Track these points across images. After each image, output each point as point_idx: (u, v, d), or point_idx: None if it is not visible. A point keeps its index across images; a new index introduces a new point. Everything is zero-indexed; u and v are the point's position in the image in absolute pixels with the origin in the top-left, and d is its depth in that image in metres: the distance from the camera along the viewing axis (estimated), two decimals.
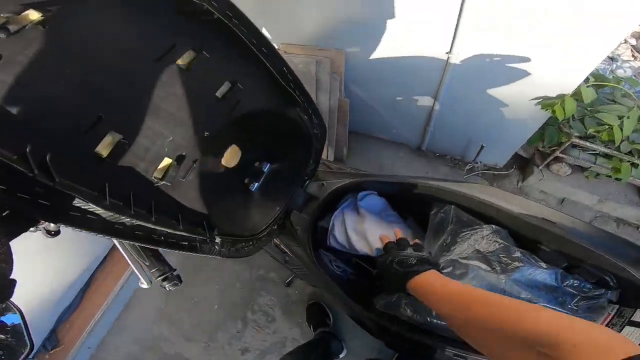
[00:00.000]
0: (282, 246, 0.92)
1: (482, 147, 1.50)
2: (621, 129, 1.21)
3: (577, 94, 1.16)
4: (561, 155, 1.42)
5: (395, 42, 1.19)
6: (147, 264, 0.56)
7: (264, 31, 1.39)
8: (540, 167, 1.54)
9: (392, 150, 1.80)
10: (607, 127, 1.25)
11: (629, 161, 1.32)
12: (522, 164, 1.69)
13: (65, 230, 0.42)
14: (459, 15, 0.98)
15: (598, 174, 1.49)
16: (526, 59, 1.06)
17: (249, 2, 1.21)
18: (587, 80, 1.21)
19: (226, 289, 1.58)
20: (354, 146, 1.79)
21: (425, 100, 1.40)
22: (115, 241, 0.56)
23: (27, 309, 1.26)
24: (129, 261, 0.58)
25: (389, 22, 1.12)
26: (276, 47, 1.36)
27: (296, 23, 1.29)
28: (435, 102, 1.36)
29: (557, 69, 1.06)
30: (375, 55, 1.29)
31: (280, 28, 1.37)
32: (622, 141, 1.25)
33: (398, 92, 1.44)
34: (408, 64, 1.25)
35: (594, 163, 1.41)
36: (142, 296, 1.61)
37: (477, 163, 1.67)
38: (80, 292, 1.51)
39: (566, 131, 1.34)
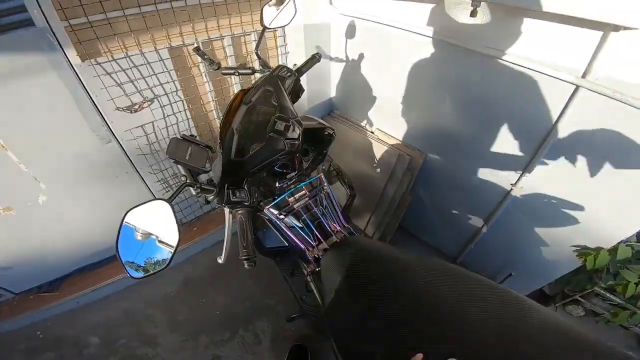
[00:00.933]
0: (312, 284, 1.12)
1: (510, 274, 1.60)
2: (636, 286, 1.30)
3: (614, 249, 1.22)
4: (581, 299, 1.53)
5: (471, 162, 1.40)
6: (244, 244, 0.79)
7: (369, 114, 1.73)
8: (556, 304, 1.62)
9: (429, 255, 1.93)
10: (626, 281, 1.33)
11: (628, 309, 1.40)
12: (541, 298, 1.76)
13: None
14: (534, 155, 1.15)
15: (609, 321, 1.53)
16: (580, 208, 1.15)
17: (363, 96, 1.60)
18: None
19: (234, 301, 1.75)
20: (396, 238, 1.95)
21: (476, 221, 1.56)
22: (227, 221, 0.87)
23: (62, 248, 1.56)
24: (226, 238, 0.85)
25: (472, 143, 1.34)
26: (372, 130, 1.71)
27: (397, 118, 1.59)
28: (485, 225, 1.52)
29: (604, 224, 1.13)
30: (450, 168, 1.51)
31: (381, 117, 1.68)
32: (632, 297, 1.34)
33: (456, 206, 1.63)
34: (474, 185, 1.44)
35: (609, 312, 1.47)
36: (161, 277, 1.80)
37: None
38: (112, 258, 1.75)
39: (595, 280, 1.44)
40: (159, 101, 1.43)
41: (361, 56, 1.55)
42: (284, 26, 1.06)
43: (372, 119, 1.71)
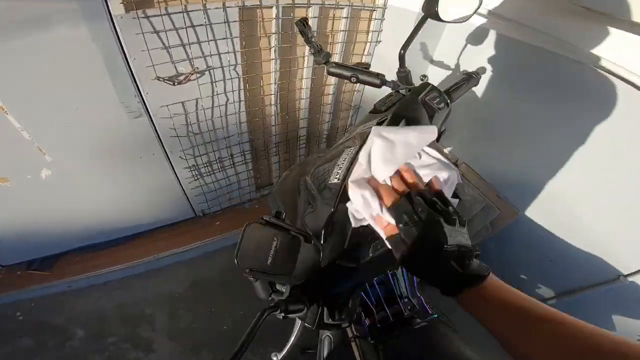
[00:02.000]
0: (355, 348, 0.89)
1: None
2: None
3: None
4: None
5: (578, 236, 1.12)
6: None
7: (457, 141, 1.42)
8: None
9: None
10: None
11: None
12: None
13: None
14: None
15: None
16: None
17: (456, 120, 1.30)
18: None
19: (247, 318, 1.51)
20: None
21: (546, 291, 1.31)
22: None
23: (61, 224, 1.31)
24: (294, 337, 0.69)
25: (598, 216, 1.05)
26: (455, 161, 1.41)
27: (496, 157, 1.29)
28: (555, 298, 1.27)
29: None
30: (544, 234, 1.21)
31: (473, 150, 1.37)
32: None
33: (526, 272, 1.36)
34: (566, 259, 1.16)
35: None
36: (169, 272, 1.60)
37: None
38: (122, 239, 1.52)
39: None
40: (211, 75, 1.10)
41: (479, 70, 1.20)
42: (461, 21, 0.68)
43: (460, 149, 1.39)
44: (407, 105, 0.61)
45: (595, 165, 0.99)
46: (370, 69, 0.71)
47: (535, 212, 1.22)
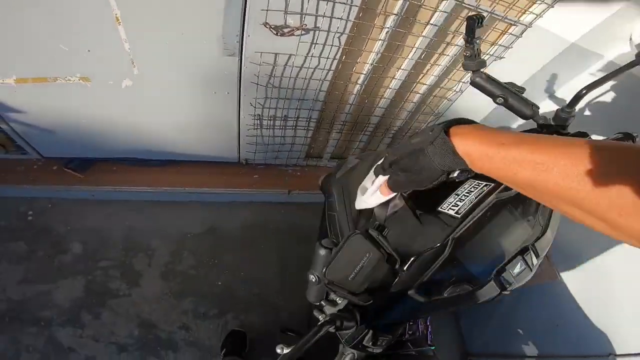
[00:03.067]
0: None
1: None
2: None
3: None
4: None
5: (589, 308, 1.12)
6: None
7: None
8: None
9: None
10: None
11: None
12: None
13: None
14: None
15: None
16: None
17: None
18: None
19: (244, 281, 1.55)
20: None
21: (530, 349, 1.33)
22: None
23: (115, 131, 1.33)
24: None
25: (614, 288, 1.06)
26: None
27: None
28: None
29: None
30: (564, 299, 1.19)
31: None
32: None
33: (526, 326, 1.37)
34: (570, 330, 1.19)
35: None
36: (188, 210, 1.62)
37: None
38: (163, 162, 1.55)
39: None
40: (314, 35, 1.06)
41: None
42: None
43: None
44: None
45: None
46: (524, 95, 0.60)
47: (565, 275, 1.21)
